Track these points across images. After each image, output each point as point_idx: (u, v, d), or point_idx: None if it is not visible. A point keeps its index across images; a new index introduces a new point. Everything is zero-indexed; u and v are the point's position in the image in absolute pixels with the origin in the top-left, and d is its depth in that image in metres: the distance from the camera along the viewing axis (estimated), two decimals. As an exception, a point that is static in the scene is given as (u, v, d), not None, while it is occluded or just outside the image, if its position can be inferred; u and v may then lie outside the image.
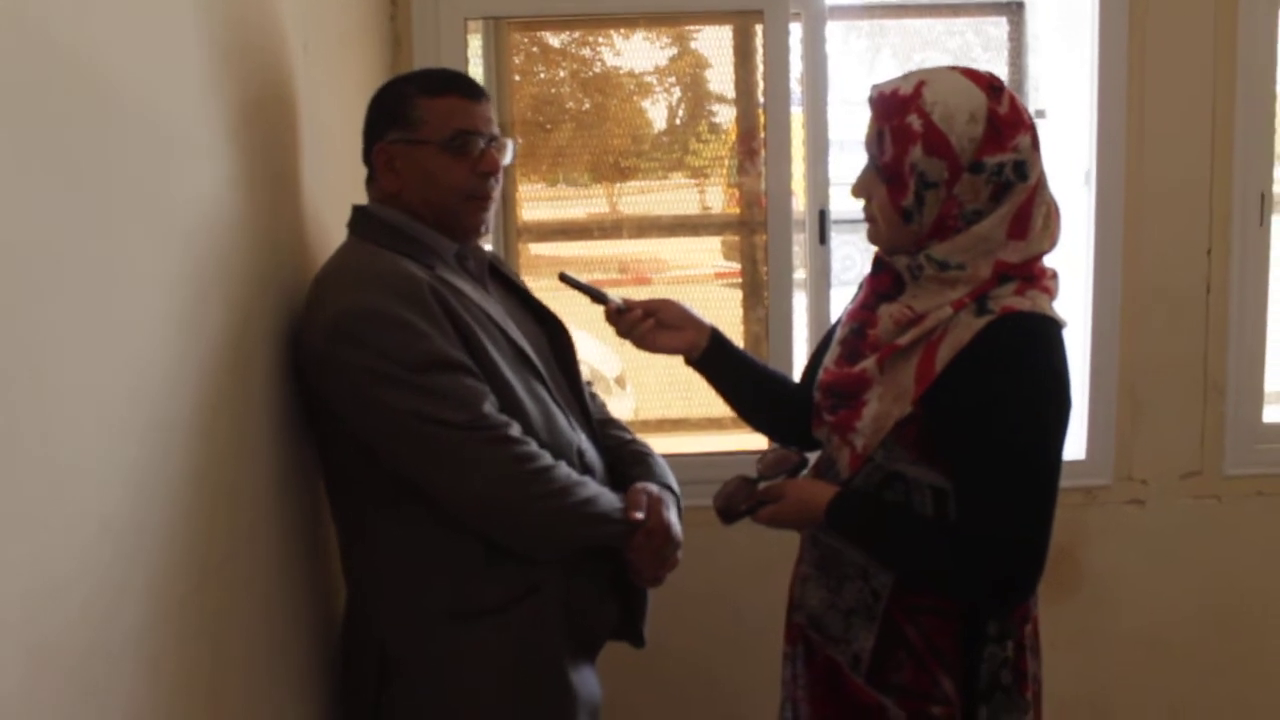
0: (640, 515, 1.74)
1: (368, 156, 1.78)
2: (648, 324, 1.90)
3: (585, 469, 1.77)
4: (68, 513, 1.02)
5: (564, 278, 1.92)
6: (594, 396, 1.99)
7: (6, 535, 0.91)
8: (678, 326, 1.91)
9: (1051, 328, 1.60)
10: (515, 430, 1.65)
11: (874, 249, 1.71)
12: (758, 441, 2.79)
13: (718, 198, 3.10)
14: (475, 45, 2.88)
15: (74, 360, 1.04)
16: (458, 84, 1.77)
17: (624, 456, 1.92)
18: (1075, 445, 2.90)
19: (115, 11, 1.18)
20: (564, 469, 1.69)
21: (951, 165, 1.55)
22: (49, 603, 0.98)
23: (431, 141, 1.73)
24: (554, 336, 1.91)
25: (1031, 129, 1.59)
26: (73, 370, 1.04)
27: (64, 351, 1.02)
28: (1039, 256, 1.62)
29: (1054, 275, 1.66)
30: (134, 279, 1.19)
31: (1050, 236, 1.62)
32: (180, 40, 1.39)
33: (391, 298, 1.60)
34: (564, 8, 2.85)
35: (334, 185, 1.95)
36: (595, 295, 1.92)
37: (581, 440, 1.81)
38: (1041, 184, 1.60)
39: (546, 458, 1.67)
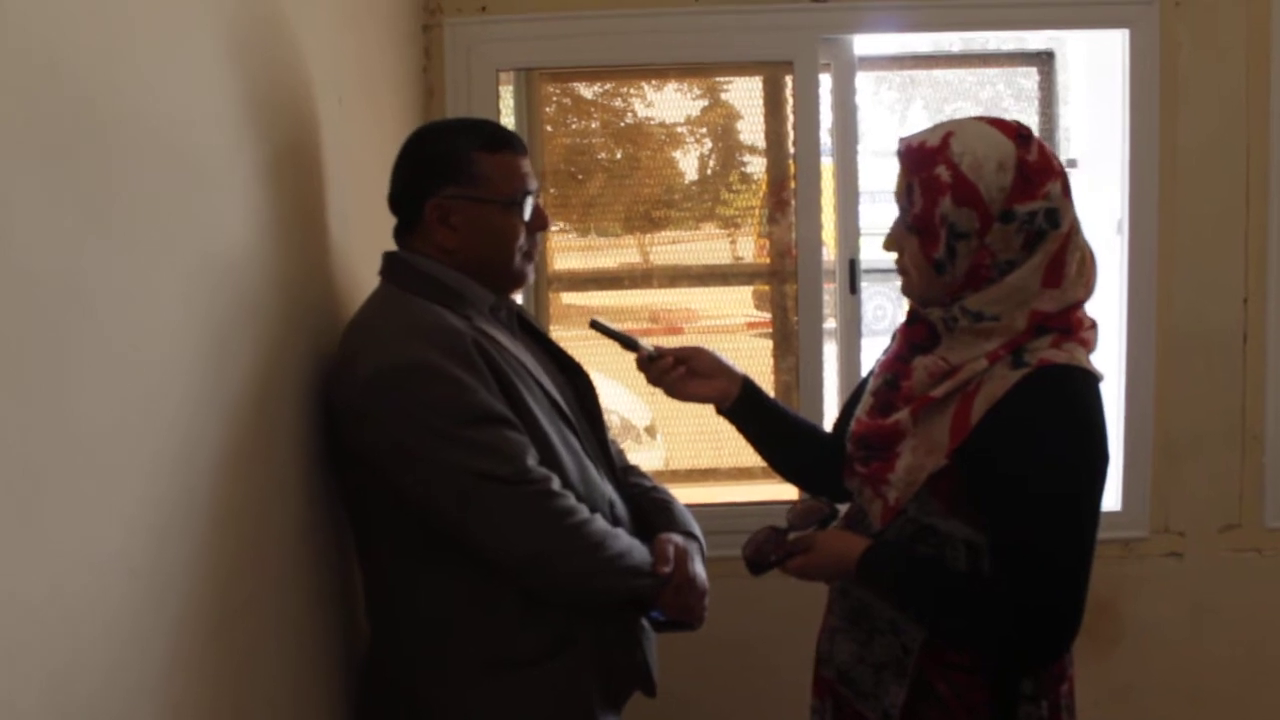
0: (668, 569, 1.73)
1: (411, 208, 1.76)
2: (679, 372, 1.89)
3: (615, 521, 1.76)
4: (92, 553, 1.02)
5: (595, 324, 1.92)
6: (613, 442, 1.99)
7: (31, 574, 0.92)
8: (709, 375, 1.90)
9: (1088, 381, 1.58)
10: (556, 484, 1.64)
11: (907, 298, 1.70)
12: (787, 492, 2.77)
13: (749, 248, 3.11)
14: (506, 96, 2.91)
15: (102, 398, 1.05)
16: (510, 140, 1.78)
17: (646, 505, 1.91)
18: (1111, 497, 2.87)
19: (157, 64, 1.20)
20: (600, 522, 1.68)
21: (982, 215, 1.54)
22: (69, 643, 0.98)
23: (496, 201, 1.74)
24: (578, 384, 1.90)
25: (1062, 176, 1.58)
26: (101, 409, 1.05)
27: (92, 389, 1.03)
28: (1076, 305, 1.60)
29: (1092, 325, 1.64)
30: (166, 317, 1.21)
31: (1086, 284, 1.61)
32: (219, 90, 1.41)
33: (435, 351, 1.60)
34: (595, 58, 2.88)
35: (364, 232, 1.96)
36: (627, 342, 1.91)
37: (610, 491, 1.80)
38: (1075, 231, 1.59)
39: (584, 511, 1.66)
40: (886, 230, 1.68)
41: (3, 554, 0.88)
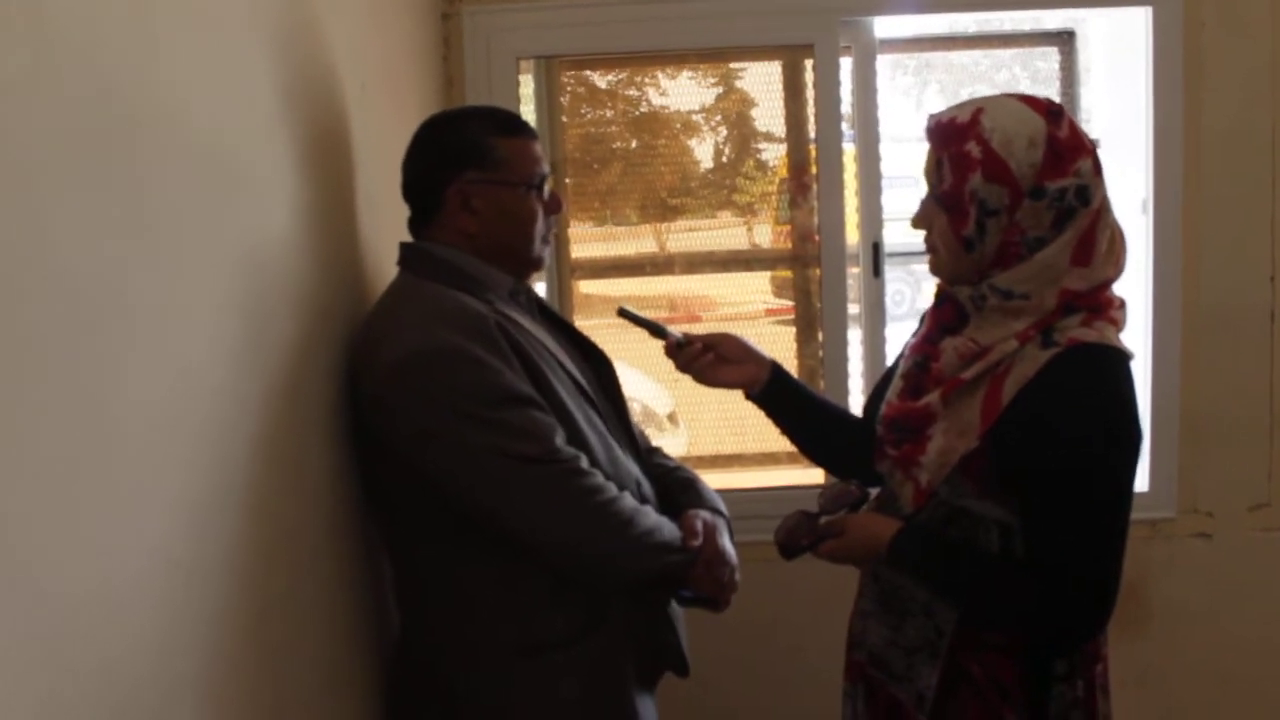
0: (697, 542, 1.73)
1: (430, 196, 1.77)
2: (708, 358, 1.89)
3: (643, 500, 1.76)
4: (131, 545, 1.03)
5: (623, 312, 1.92)
6: (636, 425, 1.98)
7: (76, 568, 0.92)
8: (738, 361, 1.90)
9: (1118, 360, 1.57)
10: (584, 462, 1.65)
11: (926, 283, 1.70)
12: (813, 476, 2.77)
13: (765, 235, 3.10)
14: (524, 84, 2.91)
15: (141, 393, 1.05)
16: (525, 125, 1.81)
17: (671, 484, 1.92)
18: (1139, 478, 2.84)
19: (186, 56, 1.20)
20: (628, 500, 1.68)
21: (1012, 191, 1.53)
22: (112, 635, 0.98)
23: (518, 184, 1.75)
24: (599, 369, 1.91)
25: (1093, 153, 1.57)
26: (140, 403, 1.05)
27: (132, 382, 1.04)
28: (1105, 284, 1.59)
29: (1121, 305, 1.63)
30: (202, 309, 1.21)
31: (1115, 262, 1.60)
32: (247, 82, 1.42)
33: (460, 334, 1.60)
34: (616, 45, 2.87)
35: (387, 221, 1.96)
36: (655, 330, 1.91)
37: (636, 471, 1.81)
38: (1105, 209, 1.58)
39: (613, 489, 1.66)
40: (905, 213, 1.68)
41: (49, 547, 0.89)
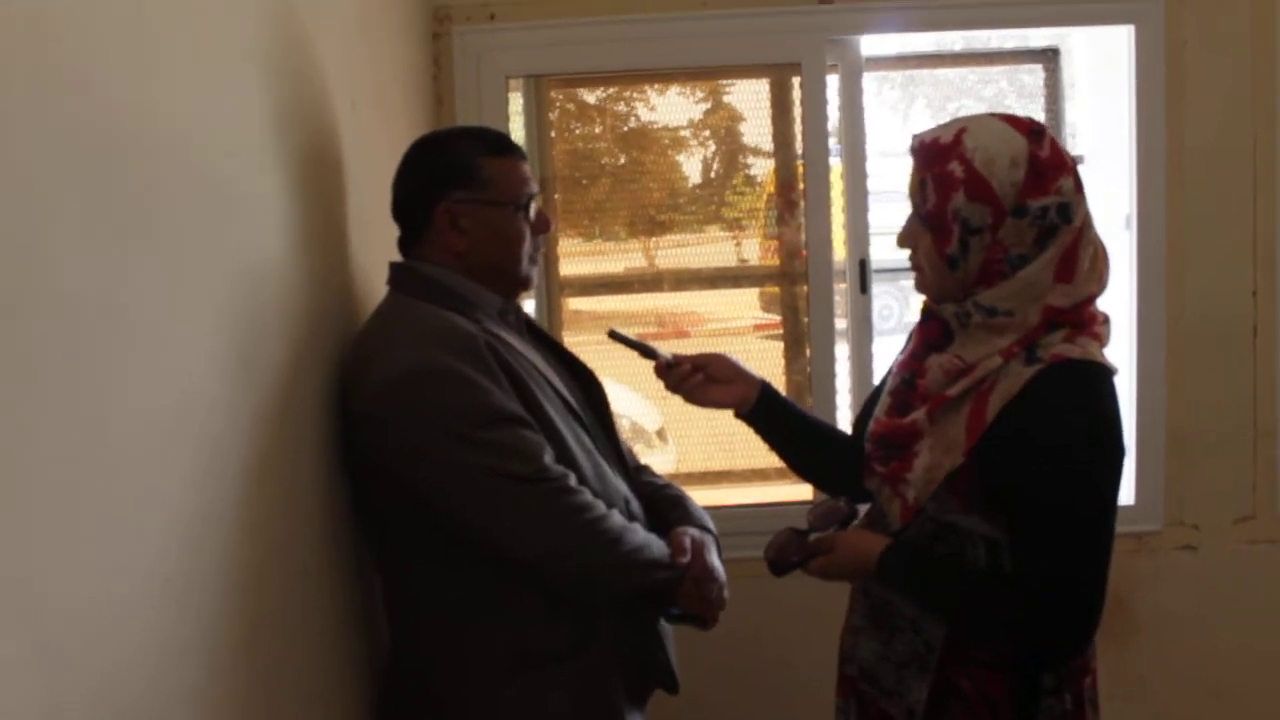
0: (685, 559, 1.74)
1: (419, 215, 1.78)
2: (697, 378, 1.90)
3: (631, 517, 1.78)
4: (128, 559, 1.03)
5: (613, 334, 1.93)
6: (624, 443, 2.00)
7: (75, 584, 0.93)
8: (728, 381, 1.91)
9: (1102, 375, 1.59)
10: (573, 481, 1.66)
11: (914, 298, 1.71)
12: (802, 492, 2.78)
13: (754, 250, 3.11)
14: (513, 103, 2.92)
15: (139, 412, 1.06)
16: (513, 145, 1.83)
17: (659, 501, 1.93)
18: (1124, 491, 2.85)
19: (180, 74, 1.21)
20: (617, 517, 1.70)
21: (995, 210, 1.55)
22: (109, 649, 0.99)
23: (505, 204, 1.77)
24: (588, 388, 1.92)
25: (1074, 171, 1.58)
26: (138, 422, 1.06)
27: (129, 397, 1.04)
28: (1089, 300, 1.61)
29: (1105, 320, 1.64)
30: (197, 326, 1.22)
31: (1098, 279, 1.61)
32: (239, 100, 1.43)
33: (449, 354, 1.62)
34: (604, 64, 2.89)
35: (377, 239, 1.98)
36: (645, 351, 1.92)
37: (625, 489, 1.82)
38: (1087, 226, 1.60)
39: (601, 507, 1.68)
40: (893, 227, 1.69)
41: (48, 563, 0.89)
